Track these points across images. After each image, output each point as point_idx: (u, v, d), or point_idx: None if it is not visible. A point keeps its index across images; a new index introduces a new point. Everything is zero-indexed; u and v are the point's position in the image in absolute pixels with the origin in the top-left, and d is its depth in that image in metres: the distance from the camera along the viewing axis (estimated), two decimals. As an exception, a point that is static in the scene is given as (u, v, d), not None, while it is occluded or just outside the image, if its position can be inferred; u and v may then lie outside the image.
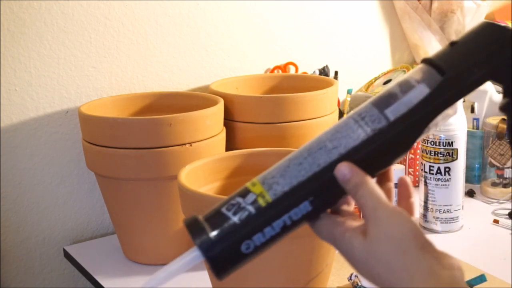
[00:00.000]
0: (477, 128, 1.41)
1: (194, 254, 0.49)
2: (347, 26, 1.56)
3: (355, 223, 0.53)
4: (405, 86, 0.51)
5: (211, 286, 0.91)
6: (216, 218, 0.50)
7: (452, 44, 0.52)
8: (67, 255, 1.19)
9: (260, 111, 1.15)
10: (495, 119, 1.36)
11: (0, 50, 1.13)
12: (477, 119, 1.41)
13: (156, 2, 1.27)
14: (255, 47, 1.41)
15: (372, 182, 0.52)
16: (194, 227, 0.50)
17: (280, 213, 0.50)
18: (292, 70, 1.46)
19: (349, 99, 1.45)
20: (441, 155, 1.15)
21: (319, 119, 1.17)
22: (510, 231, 1.18)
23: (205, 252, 0.49)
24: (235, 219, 0.49)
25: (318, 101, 1.17)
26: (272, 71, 1.43)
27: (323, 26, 1.51)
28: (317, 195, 0.51)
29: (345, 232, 0.52)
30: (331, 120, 1.20)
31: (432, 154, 1.16)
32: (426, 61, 0.52)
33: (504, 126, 1.32)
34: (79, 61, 1.21)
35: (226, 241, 0.49)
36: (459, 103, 1.30)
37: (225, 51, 1.37)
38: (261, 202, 0.50)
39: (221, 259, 0.49)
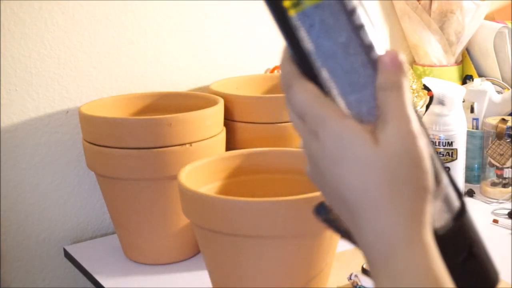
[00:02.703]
0: (477, 128, 1.41)
1: None
2: (347, 26, 1.56)
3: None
4: None
5: (211, 286, 0.91)
6: None
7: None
8: (67, 255, 1.19)
9: (260, 111, 1.15)
10: (495, 119, 1.36)
11: (0, 50, 1.13)
12: (477, 119, 1.41)
13: (156, 2, 1.27)
14: (255, 47, 1.41)
15: (408, 90, 0.44)
16: None
17: None
18: (292, 70, 1.46)
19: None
20: (441, 155, 1.15)
21: (319, 119, 1.17)
22: (510, 231, 1.18)
23: None
24: None
25: (318, 101, 1.17)
26: (272, 71, 1.43)
27: (323, 26, 1.51)
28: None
29: (344, 117, 0.44)
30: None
31: (432, 154, 1.16)
32: None
33: (504, 126, 1.32)
34: (79, 61, 1.21)
35: None
36: (459, 103, 1.31)
37: (225, 51, 1.37)
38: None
39: None
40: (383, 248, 0.43)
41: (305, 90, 0.44)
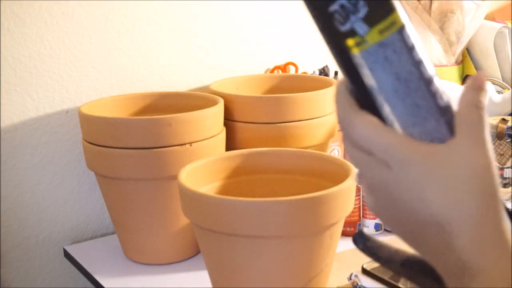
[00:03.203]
0: (477, 128, 1.41)
1: None
2: (347, 26, 1.56)
3: None
4: None
5: (211, 286, 0.91)
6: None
7: None
8: (67, 255, 1.19)
9: (260, 111, 1.15)
10: (495, 119, 1.36)
11: (0, 50, 1.13)
12: (477, 119, 1.41)
13: (156, 2, 1.27)
14: (255, 47, 1.41)
15: (486, 114, 0.46)
16: None
17: None
18: (292, 70, 1.46)
19: (349, 99, 1.45)
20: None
21: (319, 119, 1.17)
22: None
23: None
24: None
25: (318, 101, 1.17)
26: (272, 71, 1.43)
27: (323, 26, 1.51)
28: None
29: (413, 142, 0.45)
30: (331, 120, 1.20)
31: (432, 154, 1.16)
32: None
33: (504, 126, 1.32)
34: (79, 61, 1.21)
35: None
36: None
37: (225, 51, 1.37)
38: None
39: None
40: (479, 260, 0.44)
41: (367, 122, 0.45)
